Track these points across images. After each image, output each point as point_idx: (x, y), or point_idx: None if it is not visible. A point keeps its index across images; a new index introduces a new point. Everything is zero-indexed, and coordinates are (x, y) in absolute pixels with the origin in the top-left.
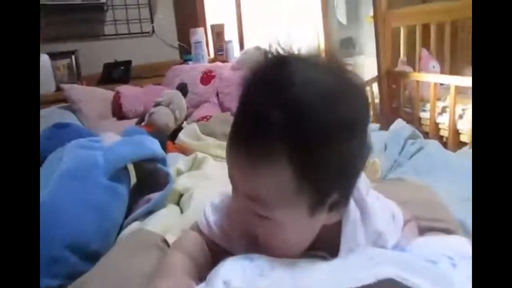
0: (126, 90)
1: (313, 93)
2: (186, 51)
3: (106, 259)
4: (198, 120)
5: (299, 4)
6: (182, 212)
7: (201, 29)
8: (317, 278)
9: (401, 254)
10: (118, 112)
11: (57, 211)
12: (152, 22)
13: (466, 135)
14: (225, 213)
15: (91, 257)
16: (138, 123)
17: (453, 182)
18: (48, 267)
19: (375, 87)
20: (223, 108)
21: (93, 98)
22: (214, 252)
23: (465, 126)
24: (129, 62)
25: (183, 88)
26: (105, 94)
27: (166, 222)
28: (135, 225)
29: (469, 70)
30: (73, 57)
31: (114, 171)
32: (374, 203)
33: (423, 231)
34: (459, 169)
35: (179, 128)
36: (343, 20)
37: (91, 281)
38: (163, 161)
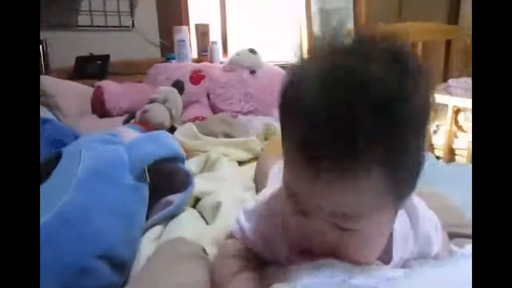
0: (109, 86)
1: (397, 88)
2: (168, 49)
3: (149, 270)
4: (190, 121)
5: (283, 6)
6: (202, 217)
7: (185, 27)
8: None
9: None
10: (100, 109)
11: (87, 217)
12: (132, 16)
13: (440, 150)
14: (268, 221)
15: (121, 267)
16: (127, 121)
17: (454, 190)
18: (74, 280)
19: None
20: (214, 109)
21: (70, 92)
22: None
23: (439, 142)
24: (107, 56)
25: (179, 85)
26: (83, 89)
27: (194, 230)
28: (156, 230)
29: (440, 88)
30: (40, 47)
31: (140, 170)
32: (422, 207)
33: (449, 237)
34: (456, 178)
35: (172, 128)
36: (317, 32)
37: None
38: (183, 161)
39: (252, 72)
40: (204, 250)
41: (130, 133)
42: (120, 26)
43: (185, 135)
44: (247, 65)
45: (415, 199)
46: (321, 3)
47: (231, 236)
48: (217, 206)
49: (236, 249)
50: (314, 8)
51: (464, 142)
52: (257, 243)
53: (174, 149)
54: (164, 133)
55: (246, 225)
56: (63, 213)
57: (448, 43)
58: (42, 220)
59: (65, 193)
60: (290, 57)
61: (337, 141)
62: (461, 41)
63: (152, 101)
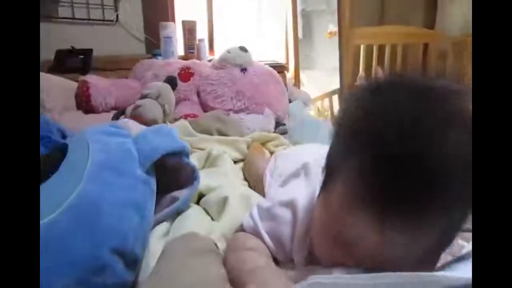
0: (95, 81)
1: (462, 131)
2: (153, 46)
3: (165, 267)
4: (181, 118)
5: (269, 6)
6: (207, 213)
7: (172, 24)
8: None
9: None
10: (86, 105)
11: (100, 209)
12: (116, 10)
13: None
14: (283, 227)
15: (133, 263)
16: (116, 117)
17: None
18: (89, 276)
19: (334, 98)
20: (205, 107)
21: (53, 87)
22: None
23: None
24: (90, 51)
25: (172, 81)
26: (66, 83)
27: (203, 225)
28: (163, 227)
29: None
30: None
31: (149, 163)
32: None
33: None
34: None
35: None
36: (300, 34)
37: None
38: (187, 156)
39: (243, 70)
40: (216, 245)
41: (135, 126)
42: (104, 20)
43: (180, 132)
44: (238, 63)
45: None
46: (304, 5)
47: (240, 230)
48: (223, 202)
49: (252, 242)
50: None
51: None
52: (269, 242)
53: (182, 143)
54: (170, 127)
55: (260, 223)
56: (75, 206)
57: (426, 46)
58: (53, 214)
59: (76, 186)
60: (276, 57)
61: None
62: (438, 44)
63: (144, 96)
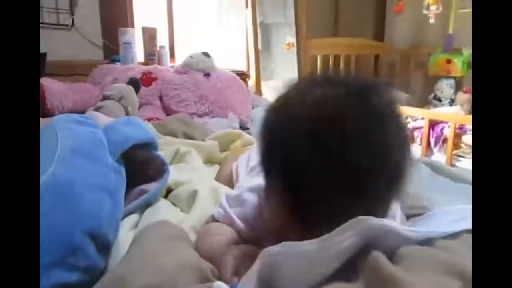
0: (50, 84)
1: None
2: (112, 52)
3: (143, 249)
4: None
5: (229, 15)
6: (176, 206)
7: (132, 30)
8: None
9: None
10: (41, 108)
11: (73, 192)
12: (72, 14)
13: None
14: (253, 209)
15: (105, 248)
16: None
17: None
18: (64, 257)
19: None
20: (168, 111)
21: None
22: None
23: None
24: (43, 55)
25: (135, 83)
26: None
27: (173, 217)
28: (132, 219)
29: None
30: None
31: (119, 153)
32: None
33: (406, 218)
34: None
35: None
36: (259, 45)
37: (135, 274)
38: (156, 149)
39: (206, 75)
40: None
41: (103, 118)
42: (58, 24)
43: None
44: (201, 67)
45: None
46: (262, 17)
47: (210, 221)
48: (193, 195)
49: (221, 230)
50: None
51: None
52: (239, 223)
53: (152, 134)
54: (139, 119)
55: (229, 208)
56: (49, 187)
57: (376, 58)
58: None
59: (46, 169)
60: (237, 65)
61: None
62: (387, 56)
63: (105, 98)
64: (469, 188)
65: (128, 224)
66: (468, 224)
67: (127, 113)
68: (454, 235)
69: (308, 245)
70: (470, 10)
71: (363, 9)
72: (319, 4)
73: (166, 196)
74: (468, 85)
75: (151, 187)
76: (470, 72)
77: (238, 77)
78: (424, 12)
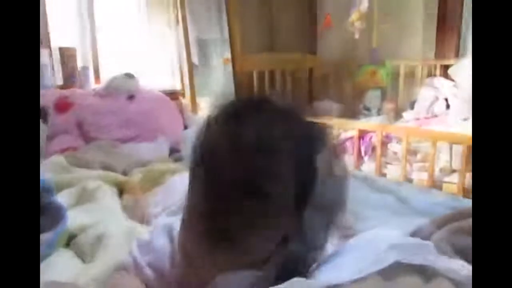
0: None
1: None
2: None
3: None
4: (57, 153)
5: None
6: (79, 256)
7: (46, 51)
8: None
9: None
10: None
11: None
12: None
13: None
14: (166, 257)
15: None
16: None
17: None
18: None
19: None
20: (87, 139)
21: None
22: None
23: None
24: None
25: (41, 112)
26: None
27: (69, 271)
28: None
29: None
30: None
31: None
32: None
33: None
34: None
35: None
36: (196, 61)
37: None
38: (51, 193)
39: (131, 97)
40: None
41: None
42: None
43: (52, 170)
44: (125, 90)
45: None
46: (197, 32)
47: (121, 268)
48: (99, 239)
49: (127, 285)
50: (191, 37)
51: None
52: (150, 275)
53: (42, 179)
54: None
55: (139, 257)
56: None
57: (311, 71)
58: None
59: None
60: (171, 84)
61: None
62: (321, 69)
63: None
64: (391, 199)
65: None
66: (376, 266)
67: None
68: (362, 279)
69: None
70: (389, 25)
71: (297, 24)
72: (254, 20)
73: (69, 244)
74: (391, 95)
75: (45, 238)
76: (392, 83)
77: (166, 97)
78: (350, 28)
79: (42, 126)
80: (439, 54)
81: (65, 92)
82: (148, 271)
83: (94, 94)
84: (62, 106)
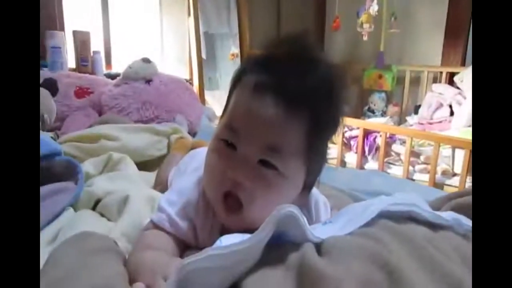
0: None
1: (332, 75)
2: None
3: (58, 267)
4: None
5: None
6: (106, 216)
7: (61, 33)
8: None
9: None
10: None
11: None
12: None
13: None
14: (191, 201)
15: None
16: None
17: None
18: None
19: None
20: None
21: None
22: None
23: None
24: None
25: (50, 85)
26: None
27: (99, 226)
28: (51, 230)
29: None
30: None
31: None
32: (316, 191)
33: None
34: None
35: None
36: (203, 55)
37: None
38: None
39: (148, 81)
40: (116, 243)
41: None
42: None
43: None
44: (141, 75)
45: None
46: (206, 27)
47: (148, 227)
48: (124, 201)
49: (157, 241)
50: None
51: None
52: (183, 226)
53: (55, 145)
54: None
55: (170, 210)
56: None
57: None
58: None
59: None
60: (179, 74)
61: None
62: None
63: None
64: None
65: (44, 238)
66: (379, 206)
67: (42, 121)
68: (370, 222)
69: (226, 249)
70: (397, 30)
71: (304, 24)
72: (262, 16)
73: (94, 208)
74: (396, 99)
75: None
76: (398, 86)
77: (183, 80)
78: (358, 29)
79: (51, 100)
80: (445, 61)
81: (86, 81)
82: (180, 223)
83: (114, 84)
84: (81, 93)
